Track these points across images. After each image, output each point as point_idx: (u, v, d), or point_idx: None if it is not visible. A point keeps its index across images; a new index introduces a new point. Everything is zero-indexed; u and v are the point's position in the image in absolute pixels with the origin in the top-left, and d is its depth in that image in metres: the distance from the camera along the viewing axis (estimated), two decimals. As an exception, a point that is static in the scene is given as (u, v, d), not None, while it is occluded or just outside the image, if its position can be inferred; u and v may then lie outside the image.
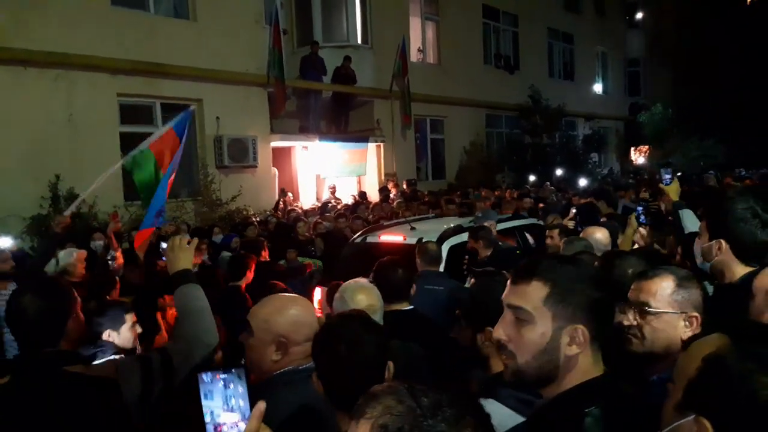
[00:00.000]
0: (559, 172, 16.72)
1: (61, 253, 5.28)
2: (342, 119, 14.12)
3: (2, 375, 1.84)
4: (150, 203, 5.00)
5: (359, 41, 14.20)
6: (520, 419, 1.77)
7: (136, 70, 10.00)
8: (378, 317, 2.68)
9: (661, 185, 3.84)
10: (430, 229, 5.94)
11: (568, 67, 22.62)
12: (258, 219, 10.03)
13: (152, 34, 10.39)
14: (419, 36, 16.46)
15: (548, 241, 5.05)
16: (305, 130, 13.41)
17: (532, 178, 16.01)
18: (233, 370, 0.99)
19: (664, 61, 26.16)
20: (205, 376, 0.99)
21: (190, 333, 2.06)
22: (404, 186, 13.22)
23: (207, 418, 0.99)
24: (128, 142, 10.17)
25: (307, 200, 13.24)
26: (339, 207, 11.24)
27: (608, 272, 2.39)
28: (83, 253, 5.45)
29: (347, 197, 12.83)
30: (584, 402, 1.29)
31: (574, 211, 6.73)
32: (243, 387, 0.99)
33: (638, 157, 23.73)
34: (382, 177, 14.44)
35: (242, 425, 0.97)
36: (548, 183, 14.79)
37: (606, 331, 1.36)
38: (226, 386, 0.99)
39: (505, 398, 1.89)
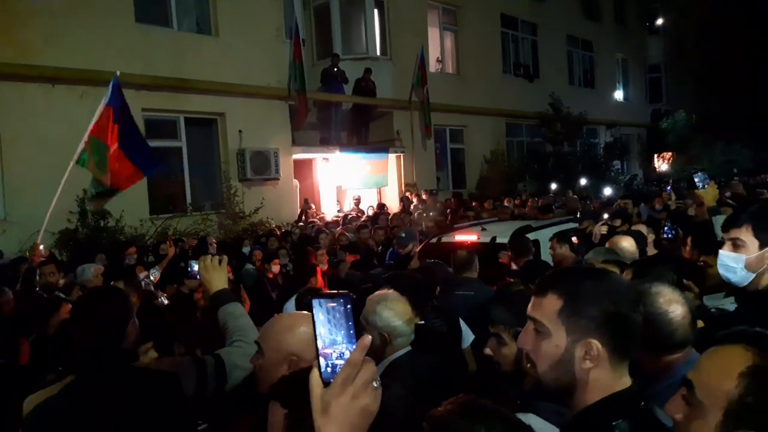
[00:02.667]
0: (582, 180, 16.53)
1: (78, 269, 5.48)
2: (362, 130, 14.20)
3: (64, 374, 2.00)
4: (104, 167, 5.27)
5: (378, 53, 14.31)
6: (559, 433, 1.76)
7: (159, 86, 10.18)
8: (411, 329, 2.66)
9: (696, 191, 3.79)
10: (500, 230, 6.37)
11: (588, 75, 22.47)
12: (282, 230, 10.10)
13: (175, 50, 10.57)
14: (438, 46, 16.51)
15: (550, 251, 5.02)
16: (326, 141, 13.52)
17: (553, 186, 15.89)
18: (341, 299, 1.00)
19: (686, 66, 25.85)
20: (316, 303, 1.01)
21: (243, 345, 2.22)
22: (423, 196, 13.20)
23: (318, 344, 1.01)
24: (153, 157, 10.38)
25: (328, 212, 13.30)
26: (361, 218, 11.26)
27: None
28: (100, 268, 5.69)
29: (367, 209, 12.87)
30: (610, 416, 1.29)
31: (606, 216, 6.68)
32: (349, 316, 1.01)
33: (661, 164, 23.41)
34: (403, 187, 14.47)
35: (347, 354, 1.00)
36: (570, 191, 14.67)
37: (627, 346, 1.34)
38: (333, 314, 1.01)
39: (544, 412, 1.88)
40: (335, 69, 12.91)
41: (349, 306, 1.01)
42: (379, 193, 14.53)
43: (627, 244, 4.15)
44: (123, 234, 8.84)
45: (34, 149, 8.76)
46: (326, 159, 13.57)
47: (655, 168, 23.28)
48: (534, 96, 18.17)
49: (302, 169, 13.38)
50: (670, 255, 4.80)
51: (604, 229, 5.88)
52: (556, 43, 20.43)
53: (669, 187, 8.00)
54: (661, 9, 25.96)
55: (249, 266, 7.04)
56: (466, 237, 6.16)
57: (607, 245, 4.26)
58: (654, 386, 1.76)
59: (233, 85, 11.15)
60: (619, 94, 24.29)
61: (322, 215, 12.58)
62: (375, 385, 1.01)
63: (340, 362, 1.00)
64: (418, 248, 5.95)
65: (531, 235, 5.72)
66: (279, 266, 6.86)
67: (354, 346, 0.99)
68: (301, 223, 11.02)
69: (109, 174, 5.31)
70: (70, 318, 2.11)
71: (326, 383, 1.00)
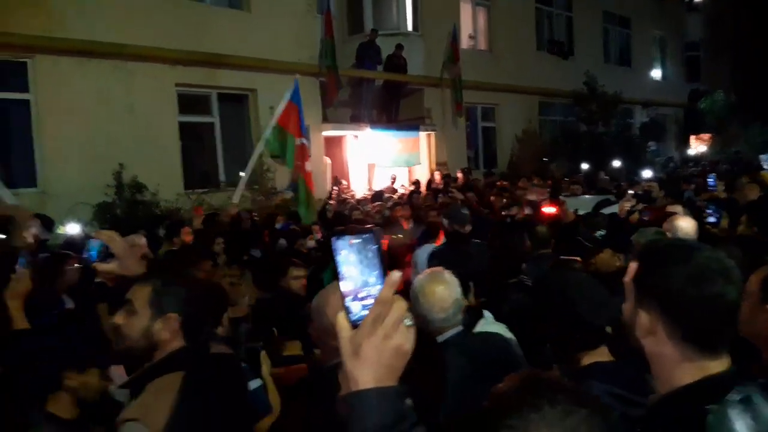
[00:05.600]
0: (616, 162, 16.15)
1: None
2: (392, 108, 14.05)
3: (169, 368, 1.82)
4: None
5: (410, 29, 14.08)
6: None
7: (192, 61, 10.15)
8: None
9: (762, 172, 3.67)
10: (581, 203, 6.69)
11: (624, 53, 21.89)
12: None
13: (208, 24, 10.51)
14: (470, 22, 16.19)
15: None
16: (356, 119, 13.41)
17: (584, 166, 15.57)
18: (369, 235, 0.93)
19: (725, 44, 24.97)
20: (341, 241, 0.94)
21: None
22: (458, 175, 13.03)
23: (346, 286, 0.95)
24: (186, 132, 10.43)
25: (358, 189, 13.26)
26: (394, 196, 11.18)
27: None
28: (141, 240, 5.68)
29: (399, 187, 12.78)
30: (703, 400, 1.21)
31: (630, 192, 6.65)
32: (375, 253, 0.93)
33: (699, 145, 22.77)
34: (433, 166, 14.33)
35: (375, 292, 0.93)
36: (602, 172, 14.37)
37: (703, 329, 1.26)
38: (365, 253, 0.93)
39: (599, 392, 1.81)
40: (372, 45, 12.73)
41: (375, 243, 0.93)
42: (410, 171, 14.42)
43: (686, 224, 3.95)
44: (158, 208, 8.92)
45: (69, 122, 8.82)
46: (356, 136, 13.49)
47: (692, 149, 22.63)
48: (568, 74, 17.72)
49: (333, 146, 13.32)
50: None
51: (628, 205, 5.77)
52: (592, 20, 19.88)
53: (712, 179, 7.78)
54: (700, -15, 25.09)
55: (283, 242, 7.04)
56: (547, 210, 6.28)
57: (664, 226, 4.08)
58: None
59: (265, 60, 11.07)
60: (656, 73, 23.63)
61: (352, 192, 12.55)
62: (408, 323, 0.95)
63: (370, 302, 0.93)
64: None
65: (610, 209, 5.86)
66: (314, 241, 6.90)
67: (382, 282, 0.93)
68: (332, 201, 10.99)
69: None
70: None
71: (355, 326, 0.94)
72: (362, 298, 0.94)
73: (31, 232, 4.73)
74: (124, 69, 9.49)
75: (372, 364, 0.93)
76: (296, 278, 4.02)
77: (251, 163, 7.74)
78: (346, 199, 11.02)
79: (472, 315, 2.88)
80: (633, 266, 1.37)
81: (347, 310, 0.95)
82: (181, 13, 10.22)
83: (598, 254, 4.26)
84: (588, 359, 2.03)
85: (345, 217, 8.22)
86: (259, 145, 7.04)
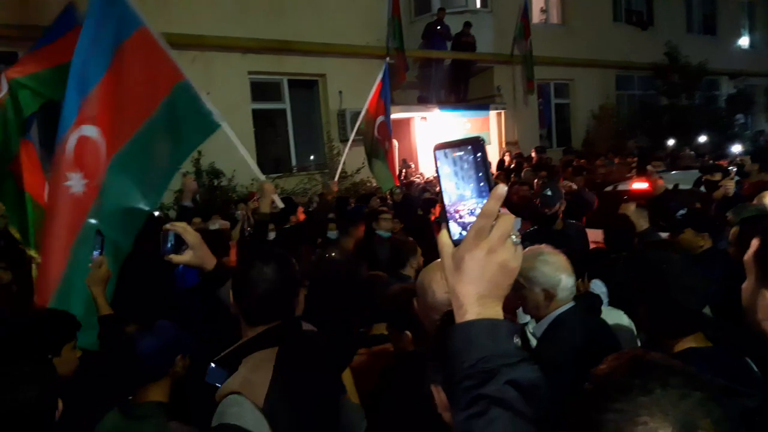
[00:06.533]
0: (702, 138, 15.20)
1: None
2: (461, 87, 13.81)
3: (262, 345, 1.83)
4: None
5: (478, 5, 13.75)
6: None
7: (263, 48, 10.34)
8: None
9: None
10: (678, 178, 6.66)
11: (709, 20, 20.42)
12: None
13: (277, 11, 10.65)
14: (542, -5, 15.64)
15: None
16: (424, 100, 13.28)
17: (670, 142, 14.75)
18: (470, 147, 0.88)
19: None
20: (440, 153, 0.90)
21: None
22: (532, 154, 12.68)
23: (445, 200, 0.91)
24: (260, 119, 10.67)
25: (426, 171, 13.17)
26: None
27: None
28: (226, 223, 5.87)
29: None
30: None
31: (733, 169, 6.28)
32: (480, 166, 0.88)
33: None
34: (503, 146, 14.02)
35: (471, 207, 0.89)
36: (687, 148, 13.58)
37: None
38: (461, 165, 0.89)
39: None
40: (439, 26, 12.53)
41: (479, 154, 0.87)
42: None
43: (775, 199, 3.72)
44: (235, 192, 9.20)
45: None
46: (424, 118, 13.37)
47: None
48: (647, 45, 16.78)
49: (400, 129, 13.27)
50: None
51: (731, 184, 5.41)
52: (673, -14, 18.71)
53: None
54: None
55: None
56: (642, 185, 6.17)
57: (755, 201, 3.85)
58: None
59: (333, 45, 11.13)
60: (744, 41, 21.94)
61: (421, 174, 12.49)
62: (514, 239, 0.89)
63: (472, 219, 0.87)
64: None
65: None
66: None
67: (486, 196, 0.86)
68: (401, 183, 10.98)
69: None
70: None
71: (457, 244, 0.89)
72: (464, 215, 0.90)
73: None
74: (202, 59, 9.77)
75: (475, 279, 0.88)
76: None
77: (346, 149, 8.09)
78: (414, 181, 10.97)
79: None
80: (755, 243, 1.27)
81: (449, 229, 0.91)
82: (251, 1, 10.41)
83: (680, 234, 4.06)
84: (682, 345, 1.93)
85: (413, 199, 8.18)
86: (352, 134, 7.73)
